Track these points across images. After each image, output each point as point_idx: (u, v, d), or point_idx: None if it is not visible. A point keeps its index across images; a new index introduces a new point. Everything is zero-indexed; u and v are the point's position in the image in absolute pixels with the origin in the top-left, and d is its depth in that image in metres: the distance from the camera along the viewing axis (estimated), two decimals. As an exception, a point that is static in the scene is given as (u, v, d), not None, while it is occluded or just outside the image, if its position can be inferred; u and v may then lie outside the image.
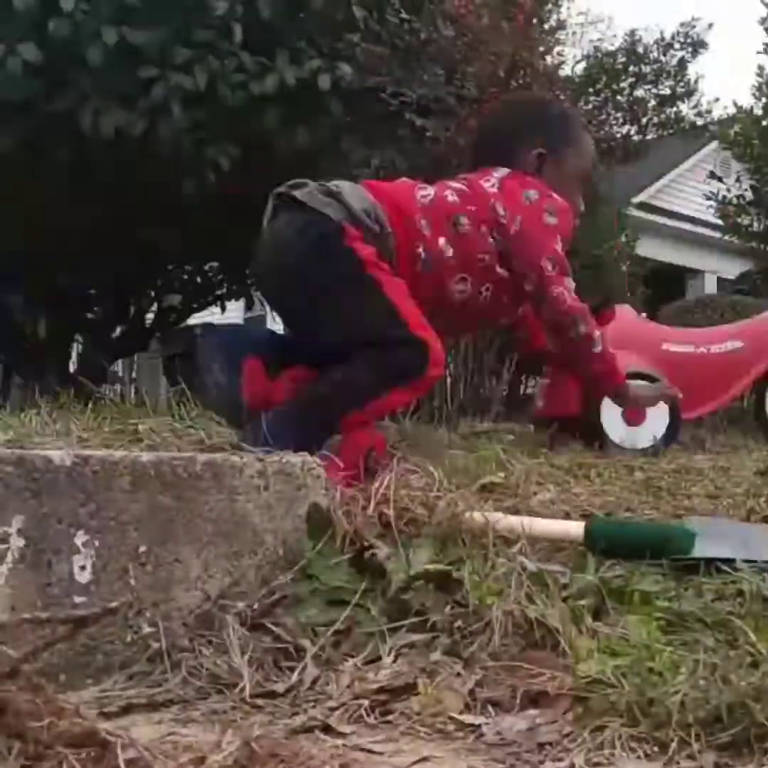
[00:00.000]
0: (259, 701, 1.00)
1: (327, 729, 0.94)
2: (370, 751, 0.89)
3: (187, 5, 4.40)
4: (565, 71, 10.56)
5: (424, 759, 0.89)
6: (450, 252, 1.94)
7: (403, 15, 5.03)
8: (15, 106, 4.19)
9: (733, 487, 1.66)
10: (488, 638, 1.08)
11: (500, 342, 5.36)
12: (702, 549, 1.27)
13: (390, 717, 0.98)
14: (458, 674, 1.04)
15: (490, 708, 0.98)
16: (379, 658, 1.12)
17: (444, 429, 2.47)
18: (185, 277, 6.12)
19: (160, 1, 4.25)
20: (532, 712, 0.96)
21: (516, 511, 1.50)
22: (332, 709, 0.98)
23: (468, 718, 0.97)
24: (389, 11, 5.02)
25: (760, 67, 10.08)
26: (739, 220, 11.22)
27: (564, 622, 1.06)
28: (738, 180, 11.26)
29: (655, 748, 0.86)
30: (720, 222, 11.71)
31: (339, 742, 0.91)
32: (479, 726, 0.94)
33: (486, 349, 5.24)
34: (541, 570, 1.19)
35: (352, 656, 1.12)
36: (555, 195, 2.05)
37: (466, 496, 1.44)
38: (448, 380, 5.06)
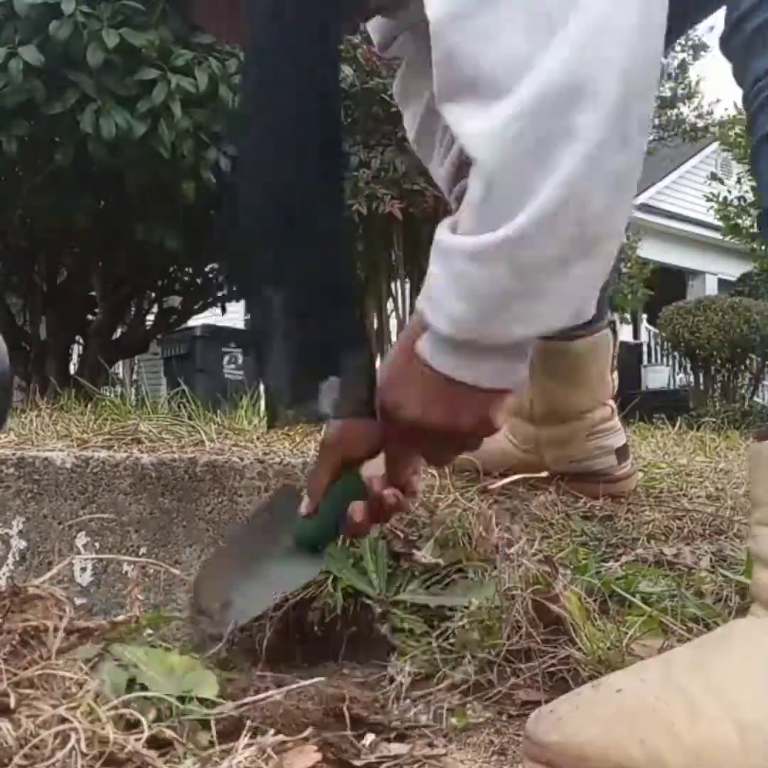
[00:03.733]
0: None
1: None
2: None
3: (188, 7, 4.40)
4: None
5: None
6: None
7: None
8: (16, 108, 4.19)
9: (734, 489, 1.66)
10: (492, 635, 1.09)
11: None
12: None
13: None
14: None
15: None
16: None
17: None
18: (186, 278, 6.11)
19: (160, 2, 4.26)
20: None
21: (516, 513, 1.50)
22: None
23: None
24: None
25: (761, 69, 10.07)
26: (739, 221, 11.23)
27: (574, 615, 1.06)
28: (739, 181, 11.29)
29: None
30: (721, 223, 11.72)
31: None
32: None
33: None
34: (541, 571, 1.19)
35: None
36: None
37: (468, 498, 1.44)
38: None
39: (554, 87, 0.75)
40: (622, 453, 1.61)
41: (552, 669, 1.05)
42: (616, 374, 1.60)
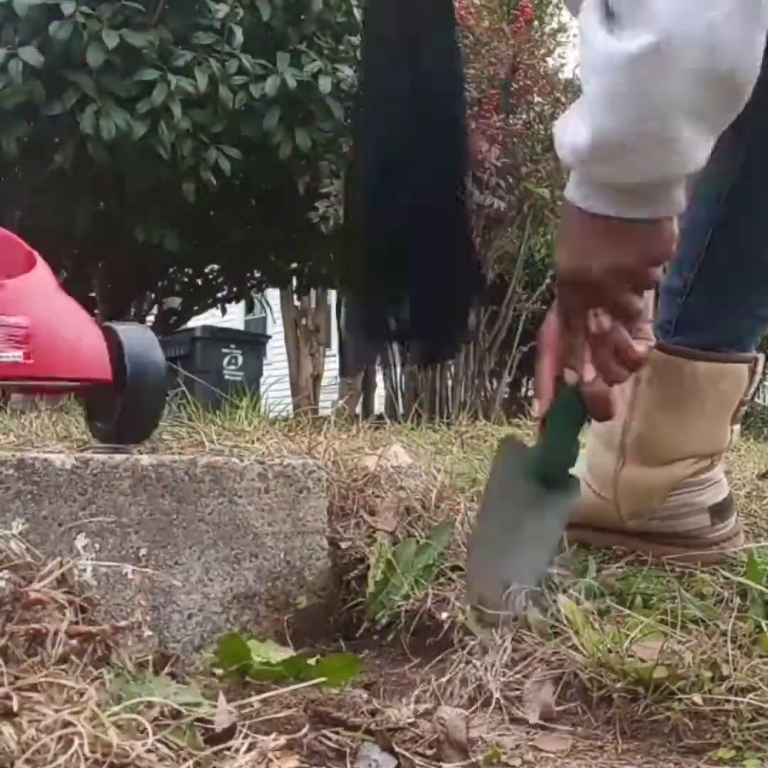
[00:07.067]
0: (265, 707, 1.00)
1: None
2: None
3: (188, 8, 4.41)
4: (567, 74, 10.55)
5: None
6: None
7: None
8: (16, 109, 4.19)
9: (735, 490, 1.65)
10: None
11: (501, 343, 5.36)
12: None
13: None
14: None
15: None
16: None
17: (445, 430, 2.47)
18: (186, 279, 6.11)
19: (160, 3, 4.26)
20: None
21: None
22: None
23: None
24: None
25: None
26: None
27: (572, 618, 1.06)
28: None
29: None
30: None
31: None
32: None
33: (487, 350, 5.24)
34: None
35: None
36: None
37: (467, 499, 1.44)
38: (449, 382, 5.06)
39: None
40: (718, 511, 1.28)
41: (553, 671, 1.05)
42: (738, 427, 1.27)
